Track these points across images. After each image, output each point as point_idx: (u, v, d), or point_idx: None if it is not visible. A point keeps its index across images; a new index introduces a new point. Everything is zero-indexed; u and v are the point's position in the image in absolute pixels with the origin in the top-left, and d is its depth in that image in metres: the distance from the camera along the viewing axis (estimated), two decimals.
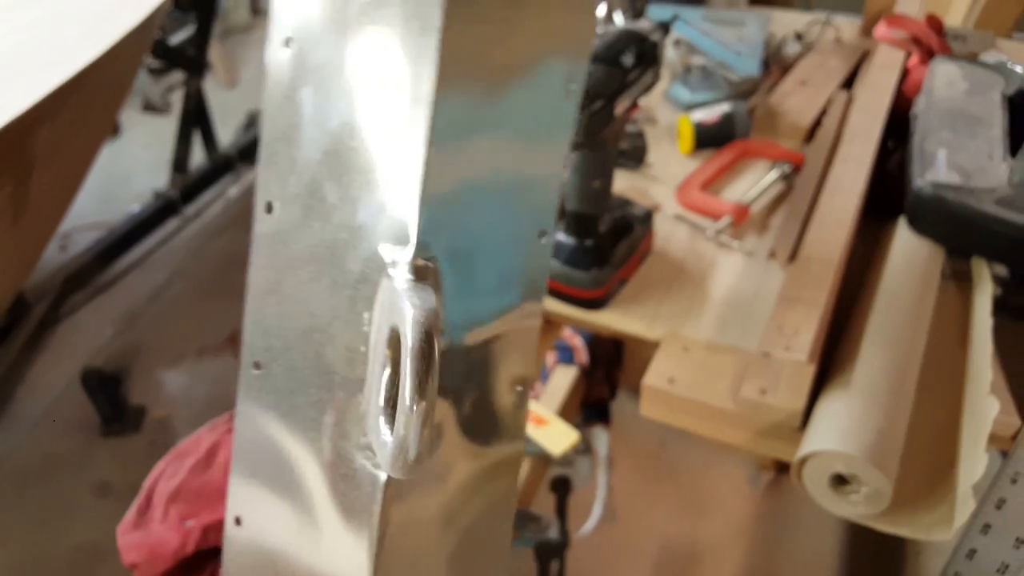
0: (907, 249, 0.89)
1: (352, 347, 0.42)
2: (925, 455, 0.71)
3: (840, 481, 0.67)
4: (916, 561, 1.42)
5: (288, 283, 0.44)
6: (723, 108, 1.17)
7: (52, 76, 0.99)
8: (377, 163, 0.40)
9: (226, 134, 2.54)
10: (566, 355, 1.11)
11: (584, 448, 1.05)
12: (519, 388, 0.49)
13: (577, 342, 1.11)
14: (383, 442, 0.38)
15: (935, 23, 1.31)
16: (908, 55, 1.28)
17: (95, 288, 2.13)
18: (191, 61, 2.33)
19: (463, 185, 0.41)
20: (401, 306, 0.36)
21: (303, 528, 0.46)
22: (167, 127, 2.42)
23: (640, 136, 1.14)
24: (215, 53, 2.53)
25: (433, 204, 0.39)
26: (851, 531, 1.49)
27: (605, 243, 0.86)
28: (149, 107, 2.75)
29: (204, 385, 1.86)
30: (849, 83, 1.31)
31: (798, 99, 1.25)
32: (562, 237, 0.86)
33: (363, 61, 0.39)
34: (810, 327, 0.78)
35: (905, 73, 1.24)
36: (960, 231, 0.86)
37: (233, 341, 1.88)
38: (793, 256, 0.92)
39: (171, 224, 2.33)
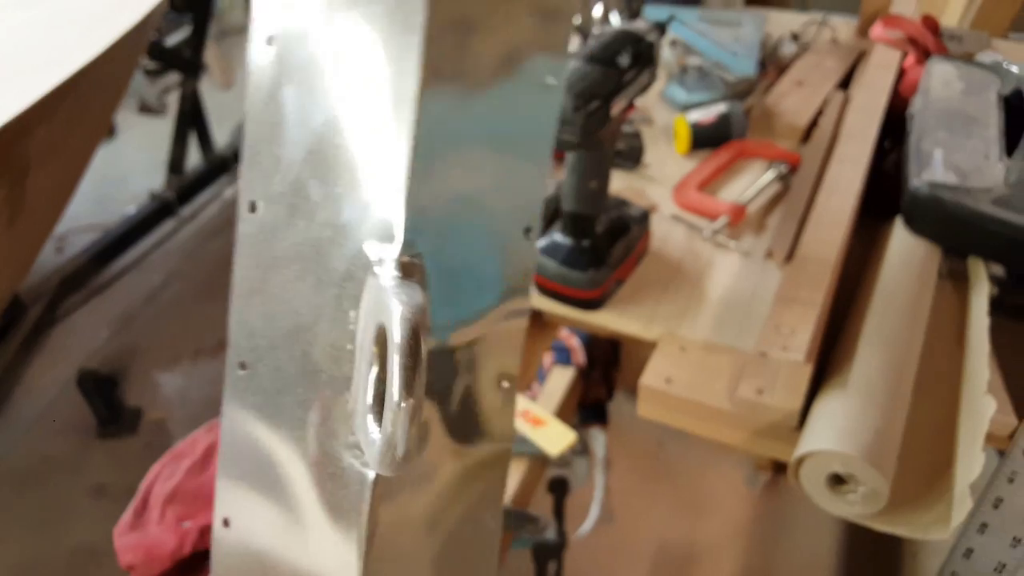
0: (904, 249, 0.89)
1: (338, 345, 0.41)
2: (922, 454, 0.71)
3: (837, 481, 0.67)
4: (913, 561, 1.42)
5: (273, 282, 0.44)
6: (719, 108, 1.17)
7: (48, 77, 0.99)
8: (362, 161, 0.39)
9: (222, 135, 2.54)
10: (563, 356, 1.11)
11: (581, 449, 1.05)
12: (505, 385, 0.49)
13: (574, 343, 1.11)
14: (371, 440, 0.38)
15: (931, 23, 1.31)
16: (904, 55, 1.29)
17: (91, 290, 2.13)
18: (187, 62, 2.33)
19: (448, 182, 0.41)
20: (388, 303, 0.36)
21: (291, 528, 0.46)
22: (163, 128, 2.42)
23: (637, 136, 1.14)
24: (211, 54, 2.53)
25: (419, 201, 0.39)
26: (848, 531, 1.49)
27: (602, 243, 0.86)
28: (145, 108, 2.74)
29: (200, 387, 1.86)
30: (845, 83, 1.31)
31: (794, 99, 1.25)
32: (559, 237, 0.86)
33: (346, 59, 0.39)
34: (807, 327, 0.78)
35: (901, 73, 1.25)
36: (957, 231, 0.86)
37: None
38: (790, 256, 0.92)
39: (167, 226, 2.34)
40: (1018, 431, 0.65)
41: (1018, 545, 0.66)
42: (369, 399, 0.38)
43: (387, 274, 0.38)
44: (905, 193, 0.89)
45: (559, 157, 1.13)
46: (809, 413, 0.72)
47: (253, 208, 0.43)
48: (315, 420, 0.43)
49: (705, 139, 1.15)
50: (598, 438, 1.10)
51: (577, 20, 1.32)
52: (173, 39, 2.37)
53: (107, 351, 1.96)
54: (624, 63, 0.79)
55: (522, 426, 0.85)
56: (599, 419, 1.17)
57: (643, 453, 1.69)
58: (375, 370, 0.38)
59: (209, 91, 2.45)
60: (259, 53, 0.42)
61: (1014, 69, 1.07)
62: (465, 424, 0.47)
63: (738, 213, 0.99)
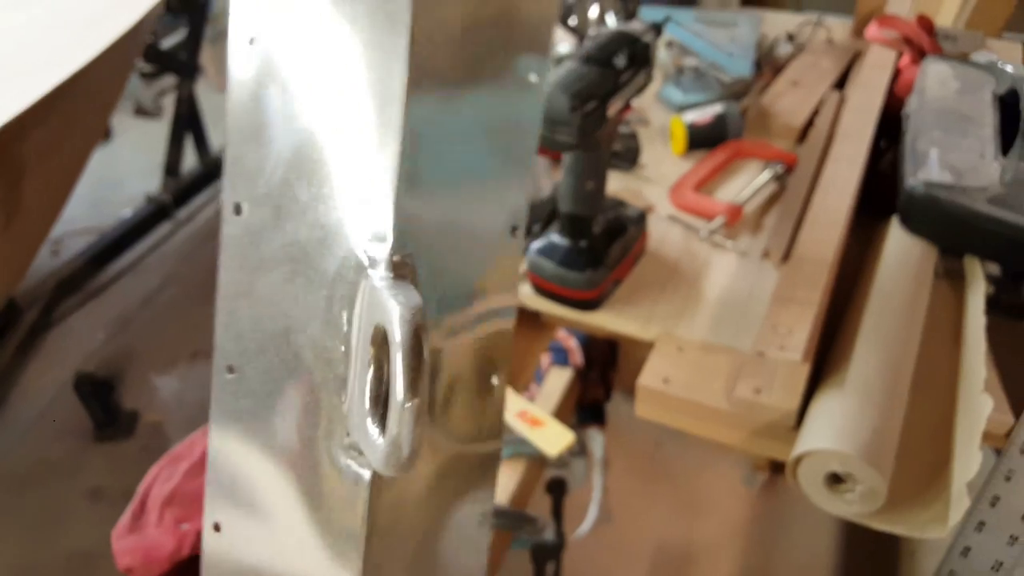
0: (900, 248, 0.89)
1: (331, 347, 0.41)
2: (920, 453, 0.71)
3: (835, 480, 0.67)
4: (911, 559, 1.42)
5: (260, 285, 0.43)
6: (715, 109, 1.17)
7: (44, 80, 0.99)
8: (350, 162, 0.39)
9: (218, 138, 2.53)
10: (561, 357, 1.11)
11: (579, 450, 1.05)
12: (495, 382, 0.49)
13: (572, 344, 1.11)
14: (372, 441, 0.37)
15: (926, 23, 1.31)
16: (899, 55, 1.29)
17: (87, 293, 2.12)
18: (183, 65, 2.33)
19: (437, 181, 0.41)
20: (386, 304, 0.36)
21: (285, 532, 0.46)
22: (159, 131, 2.42)
23: (633, 137, 1.14)
24: (207, 57, 2.52)
25: (408, 201, 0.39)
26: (846, 530, 1.49)
27: (599, 244, 0.86)
28: (141, 111, 2.73)
29: (197, 390, 1.86)
30: (841, 83, 1.31)
31: (790, 100, 1.25)
32: (556, 238, 0.86)
33: (331, 60, 0.39)
34: (804, 326, 0.78)
35: (896, 73, 1.25)
36: (953, 230, 0.86)
37: None
38: (787, 256, 0.92)
39: (163, 228, 2.33)
40: (1015, 429, 0.65)
41: (1015, 543, 0.66)
42: (367, 400, 0.38)
43: (380, 274, 0.38)
44: (901, 192, 0.89)
45: (556, 158, 1.14)
46: (807, 412, 0.72)
47: (238, 210, 0.43)
48: (309, 423, 0.43)
49: (701, 139, 1.16)
50: (596, 439, 1.09)
51: (573, 21, 1.33)
52: (169, 42, 2.37)
53: (103, 354, 1.96)
54: (621, 64, 0.79)
55: (520, 427, 0.85)
56: (597, 420, 1.17)
57: (641, 454, 1.69)
58: (372, 371, 0.38)
59: (205, 94, 2.45)
60: (240, 53, 0.42)
61: (1009, 69, 1.07)
62: (455, 422, 0.47)
63: (735, 213, 0.99)
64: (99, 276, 2.16)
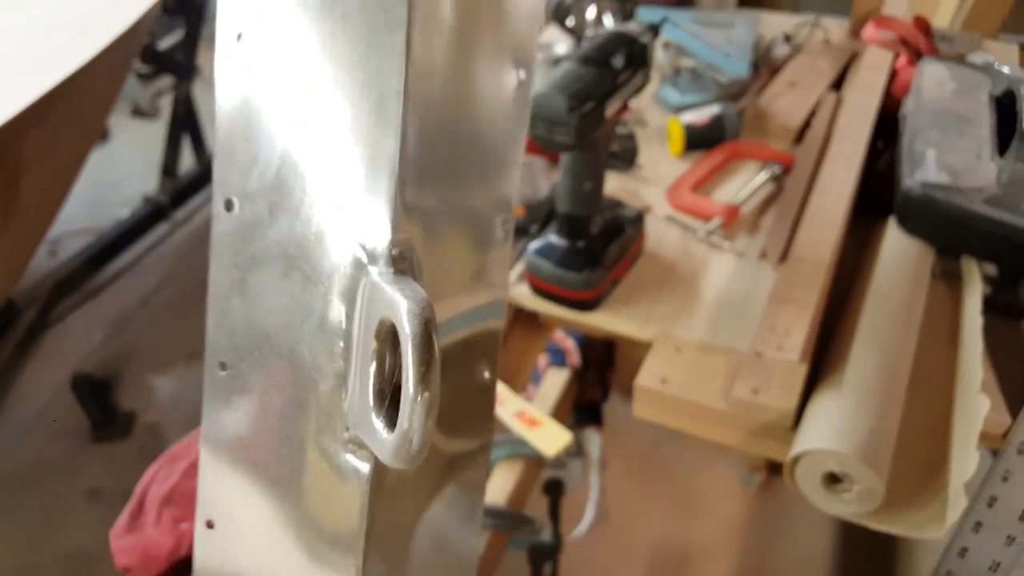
0: (897, 249, 0.89)
1: (329, 342, 0.41)
2: (917, 453, 0.71)
3: (833, 480, 0.67)
4: (908, 560, 1.43)
5: (254, 281, 0.43)
6: (713, 110, 1.17)
7: (41, 81, 0.99)
8: (346, 157, 0.39)
9: None
10: (558, 357, 1.11)
11: (577, 450, 1.05)
12: (486, 376, 0.49)
13: (569, 344, 1.11)
14: (377, 435, 0.38)
15: (923, 24, 1.31)
16: (896, 56, 1.29)
17: (85, 294, 2.12)
18: (180, 66, 2.33)
19: (432, 175, 0.41)
20: (393, 299, 0.36)
21: (280, 528, 0.46)
22: (156, 132, 2.42)
23: (631, 138, 1.14)
24: (204, 57, 2.52)
25: (406, 195, 0.39)
26: (843, 531, 1.50)
27: (597, 244, 0.86)
28: (138, 112, 2.73)
29: (194, 390, 1.84)
30: (838, 84, 1.32)
31: (787, 100, 1.25)
32: (554, 239, 0.87)
33: (323, 55, 0.39)
34: (802, 327, 0.78)
35: (893, 74, 1.25)
36: (950, 230, 0.86)
37: None
38: (784, 256, 0.92)
39: (161, 229, 2.33)
40: (1012, 430, 0.65)
41: (1012, 543, 0.67)
42: (371, 395, 0.38)
43: (380, 269, 0.38)
44: (898, 193, 0.89)
45: (554, 159, 1.14)
46: (804, 413, 0.72)
47: (229, 206, 0.43)
48: (306, 418, 0.43)
49: (699, 140, 1.16)
50: (593, 439, 1.10)
51: (571, 22, 1.33)
52: (166, 42, 2.37)
53: (101, 355, 1.95)
54: (618, 64, 0.79)
55: (518, 427, 0.85)
56: (594, 420, 1.17)
57: (638, 454, 1.69)
58: (375, 365, 0.38)
59: (202, 94, 2.45)
60: (228, 49, 0.41)
61: (1005, 70, 1.07)
62: (449, 413, 0.47)
63: (732, 214, 0.99)
64: (97, 276, 2.15)
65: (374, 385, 0.38)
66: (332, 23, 0.38)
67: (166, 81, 2.47)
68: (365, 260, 0.39)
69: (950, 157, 0.89)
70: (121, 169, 2.66)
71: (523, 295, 0.90)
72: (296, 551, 0.46)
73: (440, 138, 0.41)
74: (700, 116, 1.17)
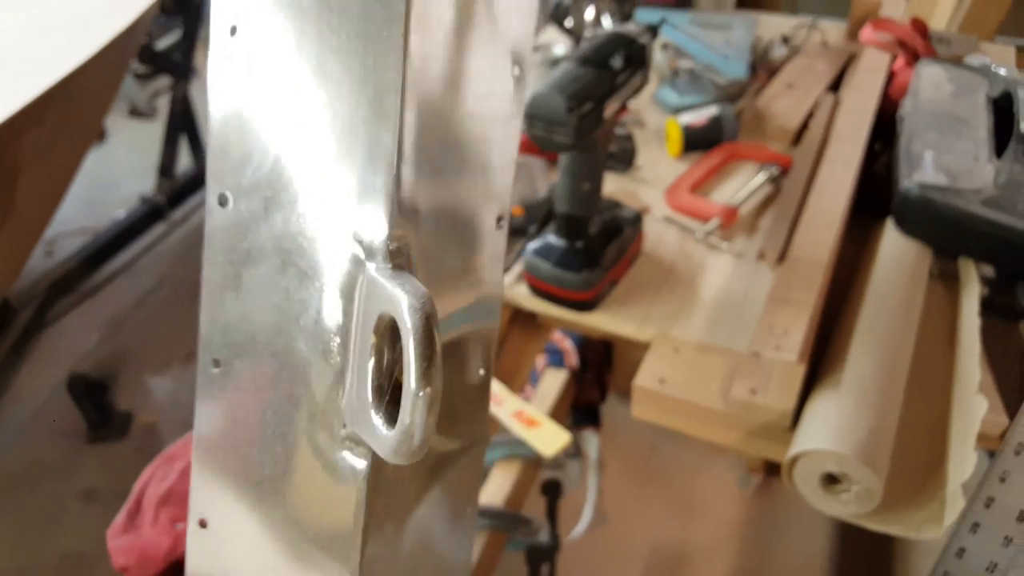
0: (895, 250, 0.89)
1: (325, 338, 0.41)
2: (915, 454, 0.71)
3: (831, 480, 0.67)
4: (906, 561, 1.43)
5: (249, 277, 0.43)
6: (711, 111, 1.17)
7: (38, 81, 0.99)
8: (342, 151, 0.39)
9: None
10: (556, 358, 1.11)
11: (574, 451, 1.05)
12: (481, 373, 0.49)
13: (567, 345, 1.11)
14: (377, 431, 0.37)
15: (920, 26, 1.32)
16: (894, 58, 1.29)
17: (81, 294, 2.12)
18: (177, 66, 2.33)
19: (429, 170, 0.41)
20: (393, 294, 0.36)
21: (275, 527, 0.46)
22: (153, 132, 2.42)
23: (629, 139, 1.14)
24: (201, 58, 2.52)
25: (404, 189, 0.39)
26: (841, 531, 1.50)
27: (595, 245, 0.86)
28: (135, 112, 2.74)
29: (191, 390, 1.83)
30: (836, 86, 1.32)
31: (785, 102, 1.25)
32: (552, 239, 0.86)
33: (320, 49, 0.39)
34: (800, 327, 0.79)
35: (891, 76, 1.25)
36: (947, 232, 0.86)
37: None
38: (782, 257, 0.92)
39: (157, 229, 2.33)
40: (1009, 431, 0.66)
41: (1009, 544, 0.67)
42: (369, 390, 0.38)
43: (378, 264, 0.38)
44: (896, 194, 0.89)
45: (552, 159, 1.14)
46: (802, 413, 0.72)
47: (223, 201, 0.42)
48: (302, 415, 0.43)
49: (697, 141, 1.16)
50: (591, 440, 1.10)
51: (570, 23, 1.33)
52: (163, 43, 2.37)
53: (97, 355, 1.95)
54: (617, 65, 0.79)
55: (516, 427, 0.85)
56: (592, 421, 1.17)
57: (636, 456, 1.69)
58: (372, 361, 0.38)
59: (200, 95, 2.44)
60: (221, 42, 0.41)
61: (1002, 72, 1.08)
62: (441, 412, 0.47)
63: (730, 215, 0.99)
64: (93, 277, 2.15)
65: (373, 381, 0.38)
66: (329, 17, 0.38)
67: (163, 81, 2.48)
68: (362, 255, 0.39)
69: (947, 159, 0.89)
70: (118, 169, 2.65)
71: (522, 295, 0.90)
72: (290, 550, 0.46)
73: (436, 133, 0.41)
74: (698, 117, 1.17)
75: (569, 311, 0.88)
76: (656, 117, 1.27)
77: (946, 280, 0.90)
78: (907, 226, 0.90)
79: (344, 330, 0.40)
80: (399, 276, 0.37)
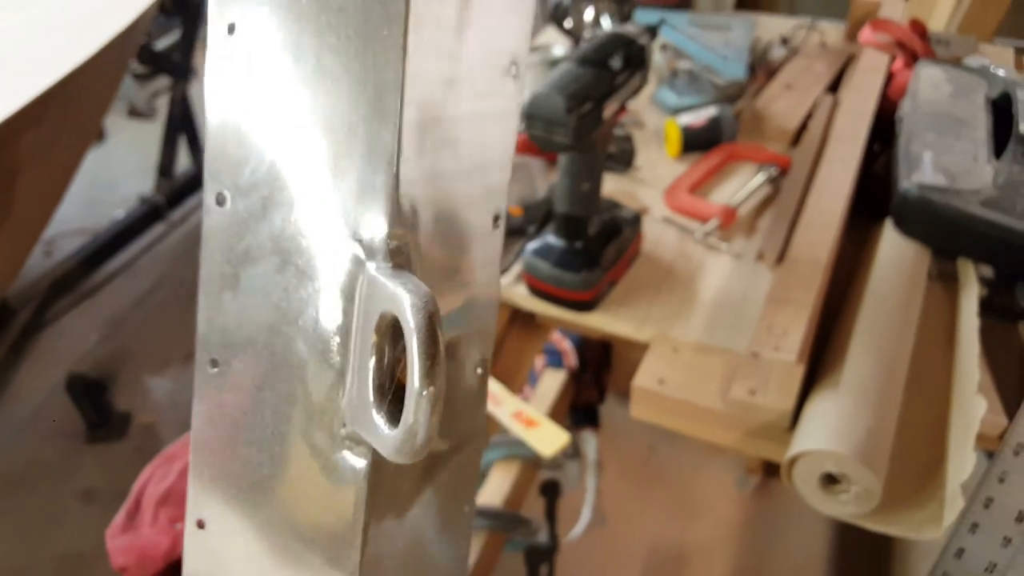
0: (894, 250, 0.89)
1: (325, 338, 0.41)
2: (914, 454, 0.71)
3: (830, 480, 0.67)
4: (905, 561, 1.43)
5: (247, 277, 0.43)
6: (710, 112, 1.17)
7: (37, 81, 0.99)
8: (342, 151, 0.39)
9: None
10: (555, 359, 1.11)
11: (573, 452, 1.06)
12: (479, 372, 0.49)
13: (566, 346, 1.12)
14: (379, 430, 0.37)
15: (919, 27, 1.32)
16: (892, 59, 1.29)
17: (80, 294, 2.12)
18: (177, 66, 2.33)
19: (430, 169, 0.41)
20: (394, 292, 0.36)
21: (274, 527, 0.46)
22: (152, 132, 2.42)
23: (628, 139, 1.14)
24: (201, 58, 2.52)
25: (404, 189, 0.39)
26: (840, 532, 1.50)
27: (594, 245, 0.86)
28: (134, 112, 2.73)
29: (190, 391, 1.84)
30: (834, 87, 1.32)
31: (784, 103, 1.25)
32: (551, 239, 0.87)
33: (318, 48, 0.39)
34: (799, 328, 0.79)
35: (890, 77, 1.25)
36: (946, 232, 0.87)
37: None
38: (781, 258, 0.92)
39: (156, 229, 2.33)
40: (1008, 431, 0.66)
41: (1008, 545, 0.67)
42: (371, 390, 0.38)
43: (378, 263, 0.38)
44: (895, 195, 0.89)
45: (552, 159, 1.14)
46: (801, 413, 0.72)
47: (220, 200, 0.42)
48: (301, 415, 0.43)
49: (696, 142, 1.16)
50: (590, 441, 1.10)
51: (569, 23, 1.33)
52: (163, 43, 2.37)
53: (96, 355, 1.95)
54: (616, 65, 0.79)
55: (515, 427, 0.85)
56: (591, 422, 1.18)
57: (635, 456, 1.69)
58: (373, 360, 0.38)
59: (199, 95, 2.44)
60: (219, 41, 0.41)
61: (1001, 73, 1.08)
62: (444, 408, 0.47)
63: (729, 215, 0.99)
64: (92, 277, 2.15)
65: (374, 380, 0.38)
66: (328, 16, 0.38)
67: (163, 81, 2.48)
68: (362, 255, 0.39)
69: (946, 159, 0.89)
70: (117, 169, 2.65)
71: (521, 295, 0.90)
72: (288, 550, 0.46)
73: (434, 132, 0.41)
74: (697, 118, 1.17)
75: (568, 311, 0.88)
76: (655, 118, 1.27)
77: (945, 281, 0.90)
78: (906, 227, 0.90)
79: (344, 330, 0.40)
80: (400, 275, 0.37)
